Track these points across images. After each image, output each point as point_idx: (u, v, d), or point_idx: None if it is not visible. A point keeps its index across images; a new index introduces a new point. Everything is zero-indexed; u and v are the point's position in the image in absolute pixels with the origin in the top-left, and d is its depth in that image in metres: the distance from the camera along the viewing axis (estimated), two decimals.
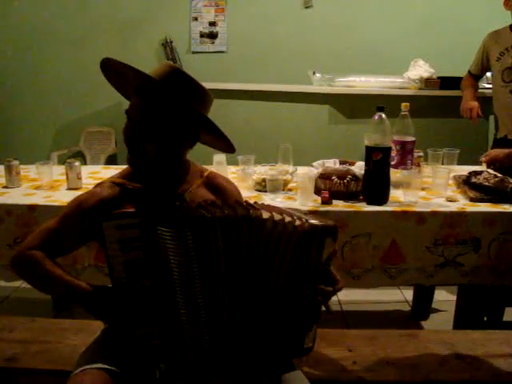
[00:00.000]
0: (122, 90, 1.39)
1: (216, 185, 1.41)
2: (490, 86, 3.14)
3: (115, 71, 1.31)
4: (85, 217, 1.29)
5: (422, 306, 2.74)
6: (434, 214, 1.87)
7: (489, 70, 3.02)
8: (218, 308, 1.16)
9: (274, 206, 1.27)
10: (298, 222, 1.17)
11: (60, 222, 1.31)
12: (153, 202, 1.29)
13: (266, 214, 1.18)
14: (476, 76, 3.08)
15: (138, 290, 1.17)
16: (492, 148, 3.08)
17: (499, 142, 2.96)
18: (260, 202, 1.31)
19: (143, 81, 1.26)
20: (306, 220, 1.19)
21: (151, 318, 1.17)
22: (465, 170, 2.30)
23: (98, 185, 1.35)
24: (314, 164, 2.19)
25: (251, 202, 1.28)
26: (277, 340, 1.21)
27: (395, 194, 2.02)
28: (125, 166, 1.40)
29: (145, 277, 1.16)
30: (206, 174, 1.42)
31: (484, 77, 3.21)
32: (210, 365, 1.21)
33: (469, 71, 3.09)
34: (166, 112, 1.25)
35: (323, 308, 1.25)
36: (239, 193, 1.48)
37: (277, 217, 1.18)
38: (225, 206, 1.20)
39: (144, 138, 1.26)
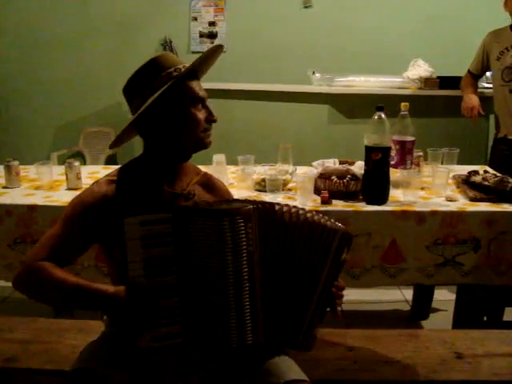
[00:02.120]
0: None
1: (211, 184, 1.43)
2: (490, 85, 3.14)
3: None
4: (88, 214, 1.27)
5: (422, 306, 2.74)
6: (434, 213, 1.87)
7: (489, 69, 3.02)
8: (253, 298, 1.17)
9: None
10: (328, 222, 1.24)
11: (63, 225, 1.28)
12: (155, 198, 1.29)
13: (301, 210, 1.24)
14: (476, 75, 3.08)
15: (160, 287, 1.15)
16: (492, 148, 3.09)
17: (499, 142, 2.96)
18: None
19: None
20: (334, 221, 1.26)
21: (173, 316, 1.16)
22: (464, 169, 2.29)
23: (94, 183, 1.34)
24: (314, 164, 2.19)
25: None
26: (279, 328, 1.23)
27: (395, 193, 2.02)
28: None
29: (167, 273, 1.16)
30: (201, 173, 1.44)
31: (484, 77, 3.21)
32: (235, 353, 1.22)
33: (468, 70, 3.09)
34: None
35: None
36: (231, 194, 1.50)
37: (309, 214, 1.24)
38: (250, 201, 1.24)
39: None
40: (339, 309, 1.28)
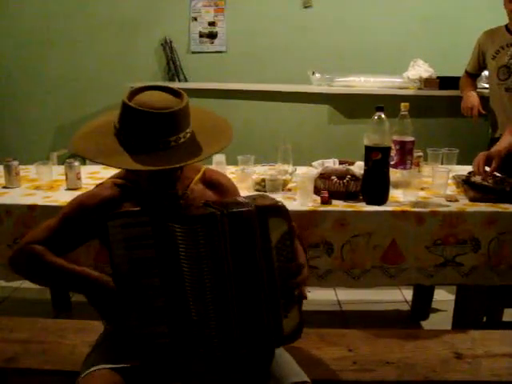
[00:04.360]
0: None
1: (214, 181, 1.43)
2: None
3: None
4: (86, 217, 1.29)
5: (422, 306, 2.73)
6: (434, 213, 1.87)
7: (485, 68, 3.01)
8: (226, 303, 1.16)
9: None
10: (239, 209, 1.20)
11: (61, 221, 1.31)
12: (156, 200, 1.30)
13: None
14: (473, 75, 3.07)
15: (145, 288, 1.17)
16: (488, 147, 3.07)
17: (496, 141, 2.95)
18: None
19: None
20: (247, 205, 1.20)
21: (160, 317, 1.16)
22: (464, 169, 2.30)
23: (97, 185, 1.36)
24: (314, 164, 2.19)
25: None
26: (256, 329, 1.20)
27: (395, 193, 2.02)
28: None
29: (152, 275, 1.17)
30: (202, 170, 1.43)
31: (484, 77, 3.21)
32: (218, 361, 1.21)
33: (466, 71, 3.09)
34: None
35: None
36: (236, 188, 1.49)
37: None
38: (226, 204, 1.22)
39: None
40: (305, 289, 1.25)
